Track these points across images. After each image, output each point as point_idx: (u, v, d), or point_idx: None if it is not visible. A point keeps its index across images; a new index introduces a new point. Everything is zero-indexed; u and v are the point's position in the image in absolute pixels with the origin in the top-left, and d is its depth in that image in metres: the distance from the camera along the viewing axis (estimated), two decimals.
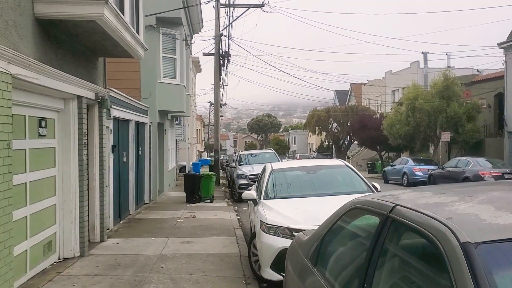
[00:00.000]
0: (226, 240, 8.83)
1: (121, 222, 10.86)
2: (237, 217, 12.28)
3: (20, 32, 5.36)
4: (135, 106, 12.25)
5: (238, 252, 7.80)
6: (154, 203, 14.68)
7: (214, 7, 22.03)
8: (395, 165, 25.76)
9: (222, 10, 22.56)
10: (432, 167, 22.74)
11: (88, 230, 7.91)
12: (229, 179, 22.01)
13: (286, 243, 5.28)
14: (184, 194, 15.12)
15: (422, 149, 29.96)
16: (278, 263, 5.53)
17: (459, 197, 2.39)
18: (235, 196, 16.87)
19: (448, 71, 26.32)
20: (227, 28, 23.08)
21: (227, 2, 22.21)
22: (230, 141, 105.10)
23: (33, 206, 6.15)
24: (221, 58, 23.62)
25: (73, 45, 7.15)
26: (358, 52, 41.53)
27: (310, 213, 6.00)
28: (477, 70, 32.32)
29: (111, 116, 9.53)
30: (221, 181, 23.04)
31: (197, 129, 48.23)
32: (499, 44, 23.12)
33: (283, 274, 4.92)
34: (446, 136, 24.83)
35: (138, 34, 8.50)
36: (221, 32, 22.75)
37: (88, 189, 7.78)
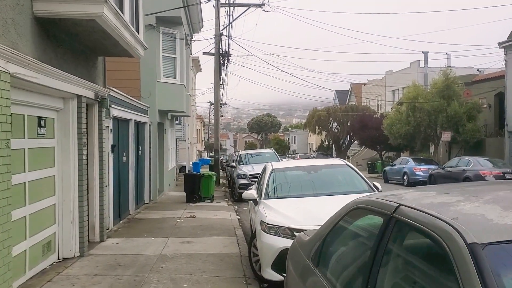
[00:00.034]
0: (226, 240, 8.79)
1: (121, 222, 10.82)
2: (237, 216, 12.25)
3: (19, 30, 5.32)
4: (135, 106, 12.21)
5: (238, 252, 7.77)
6: (154, 203, 14.64)
7: (214, 6, 22.01)
8: (395, 164, 25.72)
9: (222, 10, 22.55)
10: (432, 166, 22.71)
11: (88, 230, 7.87)
12: (229, 178, 21.98)
13: (287, 243, 5.25)
14: (184, 193, 15.09)
15: (422, 149, 29.93)
16: (279, 263, 5.49)
17: (464, 197, 2.35)
18: (235, 196, 16.83)
19: (449, 71, 26.29)
20: (227, 27, 23.07)
21: (227, 2, 22.16)
22: (230, 140, 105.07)
23: (32, 206, 6.11)
24: (221, 58, 23.58)
25: (73, 44, 7.11)
26: (358, 52, 41.49)
27: (311, 213, 5.97)
28: (478, 70, 32.29)
29: (111, 116, 9.49)
30: (221, 180, 23.01)
31: (197, 129, 48.20)
32: (499, 44, 23.09)
33: (284, 275, 4.89)
34: (446, 136, 24.80)
35: (138, 33, 8.46)
36: (221, 31, 22.71)
37: (87, 189, 7.75)
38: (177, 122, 22.85)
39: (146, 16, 11.47)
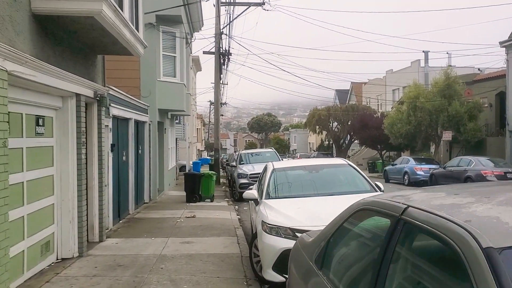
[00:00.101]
0: (226, 240, 8.72)
1: (120, 221, 10.74)
2: (238, 216, 12.18)
3: (16, 28, 5.24)
4: (134, 105, 12.13)
5: (239, 252, 7.69)
6: (154, 203, 14.57)
7: (214, 5, 21.91)
8: (396, 164, 25.66)
9: (222, 8, 22.46)
10: (433, 166, 22.64)
11: (87, 230, 7.79)
12: (229, 178, 21.91)
13: (288, 243, 5.19)
14: (184, 193, 15.01)
15: (423, 148, 29.87)
16: (280, 264, 5.43)
17: (476, 198, 2.26)
18: (236, 196, 16.76)
19: (450, 70, 26.21)
20: (228, 26, 22.98)
21: (227, 0, 22.07)
22: (230, 140, 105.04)
23: (30, 205, 6.03)
24: (222, 57, 23.49)
25: (72, 42, 7.02)
26: (359, 51, 41.32)
27: (312, 213, 5.91)
28: (479, 69, 32.23)
29: (110, 115, 9.41)
30: (221, 180, 22.95)
31: (197, 128, 48.13)
32: (500, 43, 23.01)
33: (286, 276, 4.82)
34: (447, 135, 24.72)
35: (138, 31, 8.38)
36: (221, 30, 22.62)
37: (86, 189, 7.67)
38: (177, 121, 22.78)
39: (146, 15, 11.38)
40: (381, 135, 31.48)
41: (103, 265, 6.81)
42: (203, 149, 64.10)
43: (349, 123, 41.99)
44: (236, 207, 14.38)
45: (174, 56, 16.02)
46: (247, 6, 21.40)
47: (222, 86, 31.77)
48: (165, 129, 17.36)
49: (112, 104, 9.34)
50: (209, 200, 14.93)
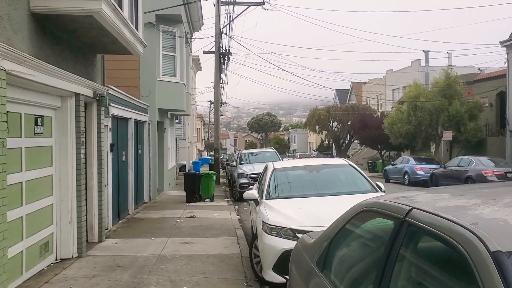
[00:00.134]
0: (227, 240, 8.67)
1: (120, 222, 10.70)
2: (238, 216, 12.13)
3: (15, 26, 5.20)
4: (134, 104, 12.09)
5: (239, 253, 7.65)
6: (154, 203, 14.52)
7: (214, 4, 21.87)
8: (396, 164, 25.61)
9: (222, 8, 22.40)
10: (433, 166, 22.60)
11: (86, 230, 7.75)
12: (229, 178, 21.86)
13: (289, 244, 5.15)
14: (184, 193, 14.97)
15: (423, 148, 29.82)
16: (281, 265, 5.39)
17: (481, 199, 2.22)
18: (236, 195, 16.72)
19: (450, 70, 26.17)
20: (228, 26, 22.92)
21: (227, 0, 22.02)
22: (230, 140, 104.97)
23: (29, 206, 5.99)
24: (222, 56, 23.44)
25: (71, 41, 6.98)
26: (359, 51, 41.32)
27: (313, 214, 5.87)
28: (479, 69, 32.18)
29: (110, 114, 9.37)
30: (221, 180, 22.90)
31: (197, 128, 48.07)
32: (501, 43, 22.96)
33: (286, 277, 4.78)
34: (448, 135, 24.68)
35: (137, 31, 8.34)
36: (221, 30, 22.56)
37: (86, 189, 7.63)
38: (177, 121, 22.73)
39: (146, 14, 11.34)
40: (381, 135, 31.43)
41: (103, 266, 6.77)
42: (203, 149, 64.05)
43: (349, 123, 41.94)
44: (236, 207, 14.34)
45: (174, 56, 15.98)
46: (247, 6, 21.35)
47: (222, 85, 31.72)
48: (165, 128, 17.31)
49: (111, 104, 9.29)
50: (209, 200, 14.89)
